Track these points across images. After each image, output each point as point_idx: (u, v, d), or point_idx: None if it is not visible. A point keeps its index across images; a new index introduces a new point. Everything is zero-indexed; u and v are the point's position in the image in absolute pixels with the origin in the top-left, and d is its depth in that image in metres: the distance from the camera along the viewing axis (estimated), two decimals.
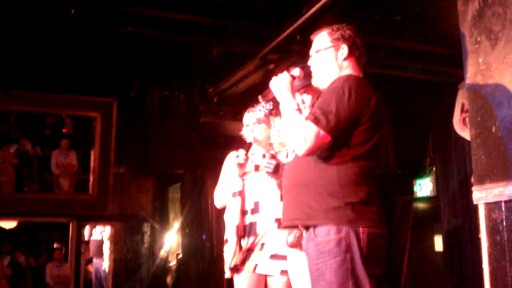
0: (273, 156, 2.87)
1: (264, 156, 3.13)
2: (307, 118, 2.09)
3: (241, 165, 3.10)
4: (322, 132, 2.04)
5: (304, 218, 2.15)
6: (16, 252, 9.28)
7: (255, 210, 3.07)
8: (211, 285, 8.08)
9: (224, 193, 3.23)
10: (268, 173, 2.80)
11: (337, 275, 2.02)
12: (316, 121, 2.06)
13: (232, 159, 3.16)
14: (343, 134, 2.08)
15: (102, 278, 8.82)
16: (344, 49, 2.26)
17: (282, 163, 2.82)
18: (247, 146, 3.18)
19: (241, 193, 3.13)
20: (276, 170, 2.79)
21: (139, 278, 7.81)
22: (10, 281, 8.66)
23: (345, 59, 2.26)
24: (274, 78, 2.30)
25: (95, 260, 9.01)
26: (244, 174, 3.15)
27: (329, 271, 2.04)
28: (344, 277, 2.02)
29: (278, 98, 2.27)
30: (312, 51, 2.34)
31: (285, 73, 2.30)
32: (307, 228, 2.16)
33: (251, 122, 3.19)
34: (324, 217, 2.07)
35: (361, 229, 2.05)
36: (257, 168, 3.14)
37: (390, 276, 7.14)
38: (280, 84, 2.27)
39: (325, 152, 2.11)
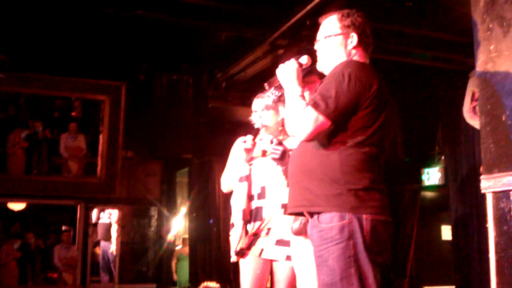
0: (280, 143, 2.86)
1: (271, 141, 3.13)
2: (307, 104, 2.08)
3: (248, 150, 3.09)
4: (321, 116, 2.03)
5: (308, 205, 2.14)
6: (27, 234, 9.36)
7: (261, 195, 3.07)
8: (218, 269, 8.14)
9: (231, 178, 3.23)
10: (274, 159, 2.79)
11: (340, 262, 2.03)
12: (315, 106, 2.05)
13: (240, 144, 3.15)
14: (343, 118, 2.07)
15: (109, 260, 8.90)
16: (353, 38, 2.23)
17: (288, 150, 2.81)
18: (254, 132, 3.17)
19: (248, 178, 3.13)
20: (283, 157, 2.78)
21: (145, 261, 7.87)
22: (19, 263, 8.75)
23: (354, 47, 2.24)
24: (281, 65, 2.28)
25: (102, 243, 9.09)
26: (251, 159, 3.14)
27: (332, 258, 2.04)
28: (347, 264, 2.02)
29: (284, 85, 2.26)
30: (320, 36, 2.30)
31: (292, 60, 2.28)
32: (311, 214, 2.15)
33: (260, 108, 3.19)
34: (327, 203, 2.07)
35: (364, 216, 2.04)
36: (264, 153, 3.13)
37: (396, 264, 7.15)
38: (287, 71, 2.25)
39: (327, 139, 2.10)
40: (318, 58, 2.30)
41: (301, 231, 2.70)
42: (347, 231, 2.02)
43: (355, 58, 2.24)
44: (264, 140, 3.17)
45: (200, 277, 8.30)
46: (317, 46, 2.31)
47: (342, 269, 2.02)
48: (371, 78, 2.11)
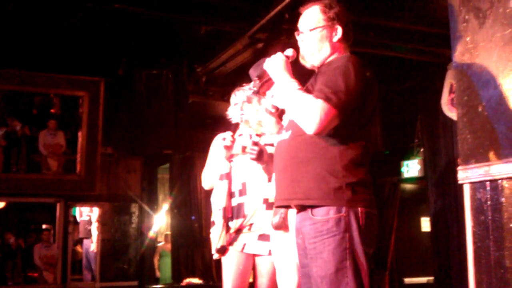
0: (256, 143, 2.86)
1: (250, 136, 3.11)
2: (316, 97, 2.03)
3: (228, 148, 3.06)
4: (334, 110, 2.00)
5: (301, 198, 2.12)
6: (6, 234, 9.24)
7: (242, 192, 3.05)
8: (200, 265, 8.13)
9: (211, 176, 3.21)
10: (252, 159, 2.80)
11: (335, 254, 2.03)
12: (327, 99, 2.01)
13: (219, 141, 3.12)
14: (351, 112, 2.05)
15: (91, 258, 8.82)
16: (338, 31, 2.21)
17: (265, 149, 2.81)
18: (233, 128, 3.14)
19: (228, 176, 3.10)
20: (260, 156, 2.79)
21: (127, 259, 7.81)
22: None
23: (338, 40, 2.22)
24: (268, 60, 2.24)
25: (85, 241, 9.00)
26: (232, 156, 3.12)
27: (327, 250, 2.04)
28: (342, 256, 2.03)
29: (275, 79, 2.21)
30: (303, 27, 2.24)
31: (279, 53, 2.24)
32: (303, 207, 2.14)
33: (241, 100, 3.15)
34: (323, 196, 2.06)
35: (359, 209, 2.06)
36: (244, 149, 3.11)
37: (377, 257, 7.20)
38: (276, 65, 2.21)
39: (329, 132, 2.08)
40: (302, 51, 2.27)
41: (281, 225, 2.71)
42: (343, 224, 2.03)
43: (341, 50, 2.23)
44: (244, 135, 3.15)
45: (182, 273, 8.28)
46: (300, 38, 2.26)
47: (338, 262, 2.03)
48: (368, 73, 2.12)
